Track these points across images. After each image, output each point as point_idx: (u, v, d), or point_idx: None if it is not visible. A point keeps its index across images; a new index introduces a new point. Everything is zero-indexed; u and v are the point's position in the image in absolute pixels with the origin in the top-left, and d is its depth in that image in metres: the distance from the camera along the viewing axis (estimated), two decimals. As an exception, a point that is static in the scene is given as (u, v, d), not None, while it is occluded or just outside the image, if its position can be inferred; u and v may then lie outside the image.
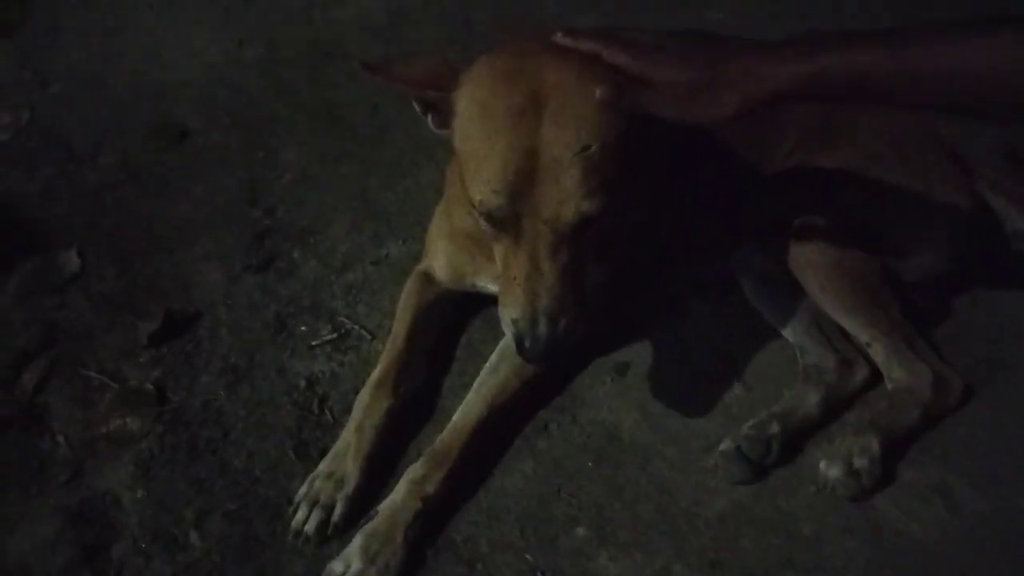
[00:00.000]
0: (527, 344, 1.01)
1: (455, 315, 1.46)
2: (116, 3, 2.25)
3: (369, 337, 1.46)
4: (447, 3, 2.28)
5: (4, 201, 1.71)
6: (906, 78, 0.84)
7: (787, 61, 0.86)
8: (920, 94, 0.86)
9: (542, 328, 1.00)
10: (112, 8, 2.24)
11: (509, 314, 1.02)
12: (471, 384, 1.32)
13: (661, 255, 1.44)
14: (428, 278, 1.41)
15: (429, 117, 1.06)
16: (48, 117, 1.92)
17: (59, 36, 2.15)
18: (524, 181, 0.94)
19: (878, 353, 1.32)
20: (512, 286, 1.01)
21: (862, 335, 1.33)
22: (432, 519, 1.18)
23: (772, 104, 0.88)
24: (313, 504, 1.19)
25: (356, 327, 1.48)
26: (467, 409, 1.27)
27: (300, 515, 1.19)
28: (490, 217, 0.99)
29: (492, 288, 1.24)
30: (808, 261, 1.34)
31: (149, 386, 1.40)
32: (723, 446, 1.25)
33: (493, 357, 1.33)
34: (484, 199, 0.96)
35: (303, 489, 1.21)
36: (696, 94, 0.88)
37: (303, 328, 1.48)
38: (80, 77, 2.02)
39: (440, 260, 1.37)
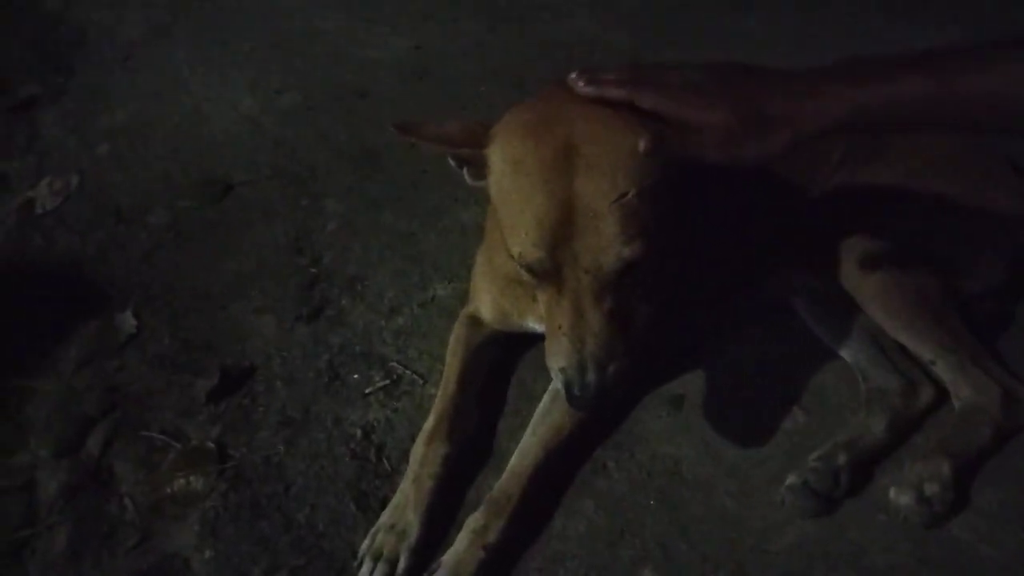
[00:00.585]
0: (576, 392, 1.00)
1: (505, 355, 1.46)
2: (155, 63, 2.32)
3: (421, 381, 1.46)
4: (474, 37, 2.29)
5: (60, 266, 1.76)
6: (953, 105, 0.81)
7: (829, 96, 0.84)
8: (968, 120, 0.83)
9: (591, 376, 0.99)
10: (152, 68, 2.30)
11: (557, 363, 1.02)
12: (526, 424, 1.31)
13: (711, 284, 1.42)
14: (475, 321, 1.41)
15: (465, 171, 1.06)
16: (96, 180, 1.97)
17: (102, 99, 2.22)
18: (562, 232, 0.94)
19: (943, 371, 1.28)
20: (558, 335, 1.00)
21: (925, 353, 1.29)
22: (495, 568, 1.18)
23: (817, 140, 0.86)
24: (377, 558, 1.19)
25: (408, 372, 1.48)
26: (523, 453, 1.26)
27: (365, 569, 1.19)
28: (531, 269, 0.99)
29: (539, 328, 1.24)
30: (863, 278, 1.31)
31: (210, 444, 1.41)
32: (790, 480, 1.22)
33: (545, 399, 1.32)
34: (523, 252, 0.96)
35: (366, 543, 1.22)
36: (739, 136, 0.86)
37: (355, 376, 1.49)
38: (125, 138, 2.08)
39: (486, 303, 1.37)
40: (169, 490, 1.36)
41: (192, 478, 1.37)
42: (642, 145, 0.89)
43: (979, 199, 1.35)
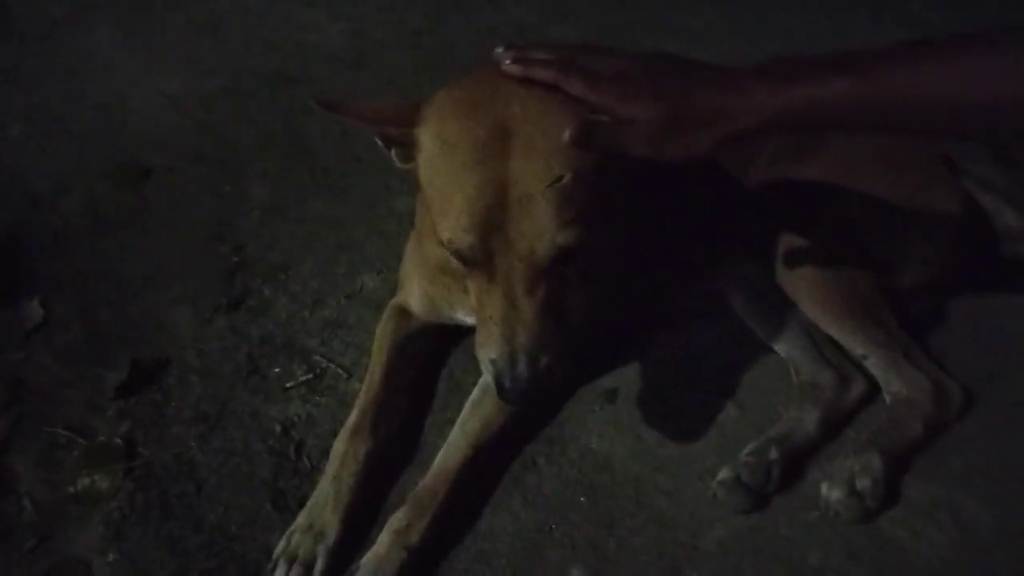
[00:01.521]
0: (507, 385, 0.96)
1: (435, 348, 1.41)
2: (76, 42, 2.20)
3: (346, 376, 1.40)
4: (411, 25, 2.24)
5: (-37, 252, 1.66)
6: (879, 106, 0.80)
7: (757, 96, 0.82)
8: (895, 121, 0.82)
9: (522, 368, 0.94)
10: (72, 47, 2.19)
11: (487, 354, 0.97)
12: (455, 420, 1.26)
13: (646, 278, 1.39)
14: (404, 312, 1.36)
15: (393, 152, 1.00)
16: (8, 161, 1.86)
17: (18, 78, 2.10)
18: (495, 217, 0.89)
19: (874, 366, 1.28)
20: (488, 325, 0.96)
21: (857, 348, 1.28)
22: (418, 569, 1.12)
23: (744, 139, 0.83)
24: (292, 560, 1.13)
25: (332, 365, 1.42)
26: (450, 450, 1.21)
27: (279, 573, 1.12)
28: (461, 255, 0.94)
29: (471, 320, 1.19)
30: (796, 274, 1.30)
31: (118, 441, 1.33)
32: (721, 475, 1.20)
33: (475, 392, 1.28)
34: (453, 238, 0.91)
35: (281, 544, 1.15)
36: (664, 133, 0.83)
37: (277, 370, 1.42)
38: (40, 119, 1.97)
39: (415, 294, 1.32)
40: (72, 489, 1.28)
41: (97, 477, 1.29)
42: (567, 135, 0.85)
43: (912, 196, 1.35)
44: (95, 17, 2.30)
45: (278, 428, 1.33)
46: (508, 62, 0.90)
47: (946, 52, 0.79)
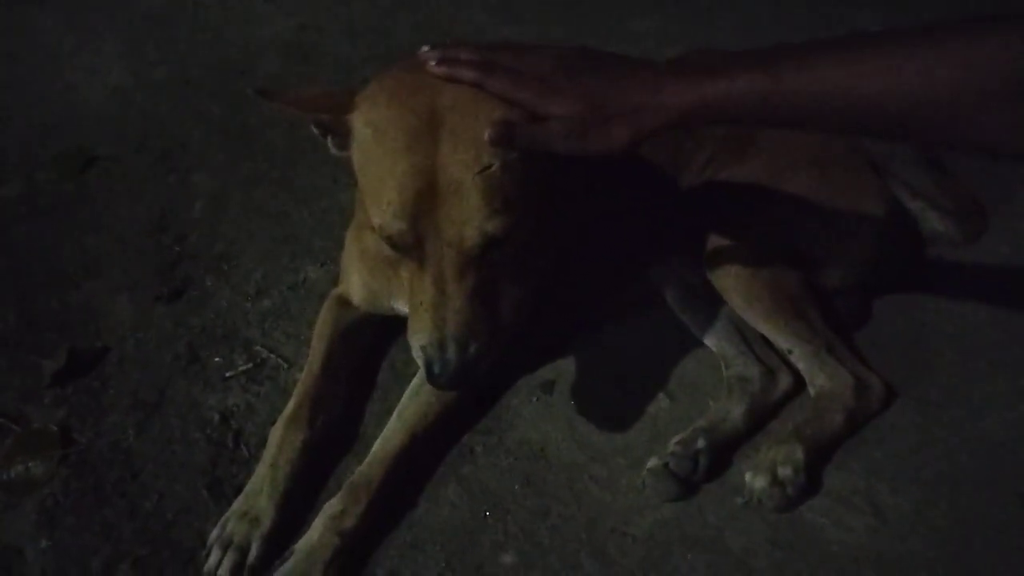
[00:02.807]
0: (436, 370, 0.98)
1: (375, 339, 1.42)
2: (20, 27, 2.17)
3: (286, 366, 1.41)
4: (360, 19, 2.25)
5: None
6: (793, 105, 0.82)
7: (673, 93, 0.85)
8: (803, 120, 0.85)
9: (451, 354, 0.97)
10: (15, 32, 2.16)
11: (417, 340, 0.99)
12: (394, 409, 1.28)
13: (581, 270, 1.42)
14: (344, 303, 1.37)
15: (329, 139, 1.02)
16: (-56, 147, 1.83)
17: (-45, 62, 2.06)
18: (424, 204, 0.91)
19: (799, 360, 1.32)
20: (419, 311, 0.98)
21: (783, 343, 1.32)
22: (352, 555, 1.14)
23: (661, 134, 0.87)
24: (227, 546, 1.13)
25: (272, 356, 1.42)
26: (387, 437, 1.23)
27: (213, 558, 1.13)
28: (392, 241, 0.95)
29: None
30: (727, 271, 1.34)
31: (53, 427, 1.32)
32: (650, 464, 1.23)
33: (414, 382, 1.29)
34: (384, 223, 0.93)
35: (216, 531, 1.15)
36: (586, 129, 0.86)
37: (217, 359, 1.42)
38: (-22, 104, 1.94)
39: (355, 284, 1.33)
40: (5, 476, 1.27)
41: (31, 464, 1.28)
42: (487, 134, 0.88)
43: (839, 199, 1.39)
44: (38, 4, 2.26)
45: (216, 417, 1.34)
46: (433, 62, 0.92)
47: (860, 51, 0.81)
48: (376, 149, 0.94)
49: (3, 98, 1.95)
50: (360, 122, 0.96)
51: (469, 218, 0.92)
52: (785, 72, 0.81)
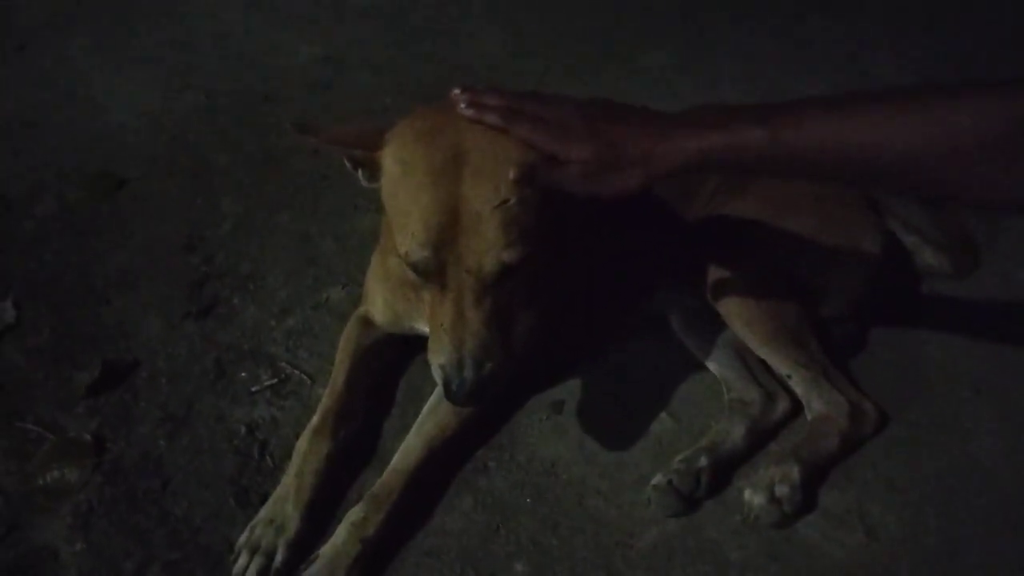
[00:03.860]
0: (454, 387, 1.05)
1: (395, 357, 1.49)
2: (53, 52, 2.26)
3: (309, 382, 1.48)
4: (378, 52, 2.34)
5: (-64, 252, 1.70)
6: (788, 156, 0.90)
7: (678, 141, 0.93)
8: (803, 170, 0.93)
9: (468, 372, 1.04)
10: (48, 57, 2.24)
11: (437, 360, 1.07)
12: (411, 425, 1.34)
13: (591, 296, 1.50)
14: (367, 322, 1.44)
15: (360, 172, 1.10)
16: (-18, 166, 1.91)
17: (-8, 85, 2.15)
18: (447, 234, 0.99)
19: (797, 385, 1.39)
20: (440, 333, 1.05)
21: (782, 368, 1.39)
22: (373, 561, 1.20)
23: (669, 178, 0.95)
24: (254, 551, 1.20)
25: (296, 372, 1.50)
26: (407, 450, 1.29)
27: (241, 562, 1.19)
28: (416, 268, 1.03)
29: (428, 330, 1.28)
30: (729, 299, 1.41)
31: (87, 437, 1.39)
32: (655, 480, 1.30)
33: (432, 399, 1.36)
34: (410, 251, 1.01)
35: (244, 536, 1.22)
36: (601, 172, 0.94)
37: (243, 374, 1.49)
38: (14, 126, 2.02)
39: (378, 304, 1.41)
40: (41, 481, 1.33)
41: (66, 470, 1.35)
42: (511, 174, 0.96)
43: (837, 233, 1.47)
44: (72, 29, 2.35)
45: (243, 429, 1.40)
46: (463, 105, 1.00)
47: (859, 107, 0.89)
48: (404, 183, 1.02)
49: (37, 120, 2.04)
50: (390, 158, 1.04)
51: (488, 248, 1.00)
52: (781, 127, 0.89)
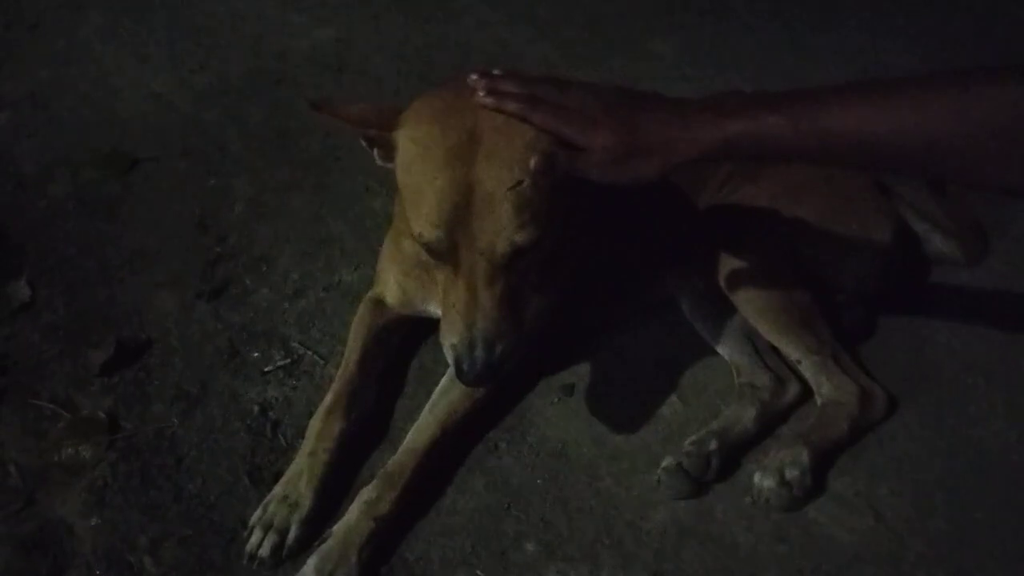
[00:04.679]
0: (465, 367, 1.06)
1: (407, 339, 1.50)
2: (66, 33, 2.26)
3: (322, 362, 1.49)
4: (389, 34, 2.34)
5: (-49, 231, 1.71)
6: (809, 144, 0.91)
7: (699, 129, 0.94)
8: (826, 158, 0.93)
9: (479, 352, 1.05)
10: (61, 37, 2.24)
11: (448, 339, 1.07)
12: (423, 406, 1.35)
13: (602, 280, 1.50)
14: (379, 304, 1.45)
15: (375, 152, 1.10)
16: (-4, 146, 1.92)
17: (5, 65, 2.15)
18: (460, 215, 1.00)
19: (807, 370, 1.40)
20: (451, 313, 1.06)
21: (792, 353, 1.40)
22: (385, 538, 1.21)
23: (687, 166, 0.96)
24: (268, 528, 1.21)
25: (309, 352, 1.51)
26: (419, 430, 1.31)
27: (255, 539, 1.21)
28: (429, 248, 1.04)
29: (439, 313, 1.29)
30: (740, 284, 1.41)
31: (101, 414, 1.40)
32: (665, 463, 1.30)
33: (444, 379, 1.37)
34: (423, 231, 1.02)
35: (257, 513, 1.23)
36: (621, 159, 0.95)
37: (256, 354, 1.50)
38: (28, 106, 2.02)
39: (390, 286, 1.42)
40: (56, 458, 1.35)
41: (81, 447, 1.36)
42: (532, 163, 0.97)
43: (847, 219, 1.47)
44: (84, 10, 2.35)
45: (256, 408, 1.42)
46: (481, 93, 1.00)
47: (877, 95, 0.90)
48: (418, 164, 1.02)
49: (51, 100, 2.04)
50: (405, 138, 1.05)
51: (500, 229, 1.00)
52: (801, 115, 0.90)
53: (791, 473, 1.27)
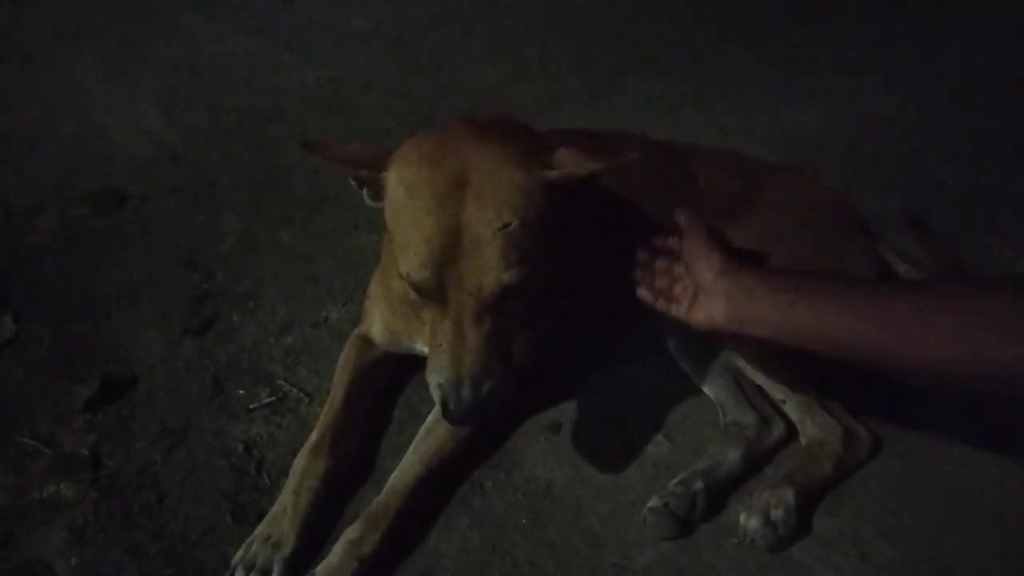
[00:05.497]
0: (452, 406, 1.06)
1: (393, 377, 1.50)
2: (57, 69, 2.28)
3: (307, 400, 1.49)
4: (380, 76, 2.37)
5: (-63, 265, 1.71)
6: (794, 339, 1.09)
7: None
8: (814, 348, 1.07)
9: (466, 391, 1.05)
10: (53, 74, 2.27)
11: (435, 378, 1.07)
12: (408, 444, 1.35)
13: (590, 321, 1.51)
14: (366, 341, 1.45)
15: (364, 191, 1.12)
16: (-16, 181, 1.92)
17: (-3, 100, 2.17)
18: (448, 255, 1.01)
19: (792, 410, 1.40)
20: (439, 352, 1.07)
21: (777, 393, 1.41)
22: (369, 579, 1.20)
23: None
24: (250, 568, 1.20)
25: (295, 390, 1.50)
26: (404, 469, 1.30)
27: (237, 578, 1.20)
28: (417, 288, 1.05)
29: (427, 350, 1.29)
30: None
31: (84, 452, 1.39)
32: (651, 503, 1.30)
33: (430, 418, 1.37)
34: (411, 271, 1.03)
35: (240, 553, 1.22)
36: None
37: (241, 392, 1.50)
38: (17, 142, 2.04)
39: (377, 324, 1.42)
40: (37, 495, 1.33)
41: (63, 485, 1.35)
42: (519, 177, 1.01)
43: (831, 259, 1.48)
44: (76, 48, 2.38)
45: (240, 446, 1.41)
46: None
47: (880, 301, 1.00)
48: (407, 205, 1.04)
49: (41, 136, 2.06)
50: (394, 179, 1.06)
51: (488, 270, 1.02)
52: (797, 310, 1.05)
53: (776, 513, 1.27)
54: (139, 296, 1.67)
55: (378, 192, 1.10)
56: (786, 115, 2.33)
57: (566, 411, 1.48)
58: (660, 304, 1.27)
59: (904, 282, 1.07)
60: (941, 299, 0.93)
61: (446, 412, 1.08)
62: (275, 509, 1.26)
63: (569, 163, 1.08)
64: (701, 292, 1.18)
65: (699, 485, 1.31)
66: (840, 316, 1.01)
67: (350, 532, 1.21)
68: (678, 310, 1.23)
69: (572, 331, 1.49)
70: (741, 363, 1.42)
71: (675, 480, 1.32)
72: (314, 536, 1.25)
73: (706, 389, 1.48)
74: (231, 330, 1.61)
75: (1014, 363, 0.85)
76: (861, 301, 1.01)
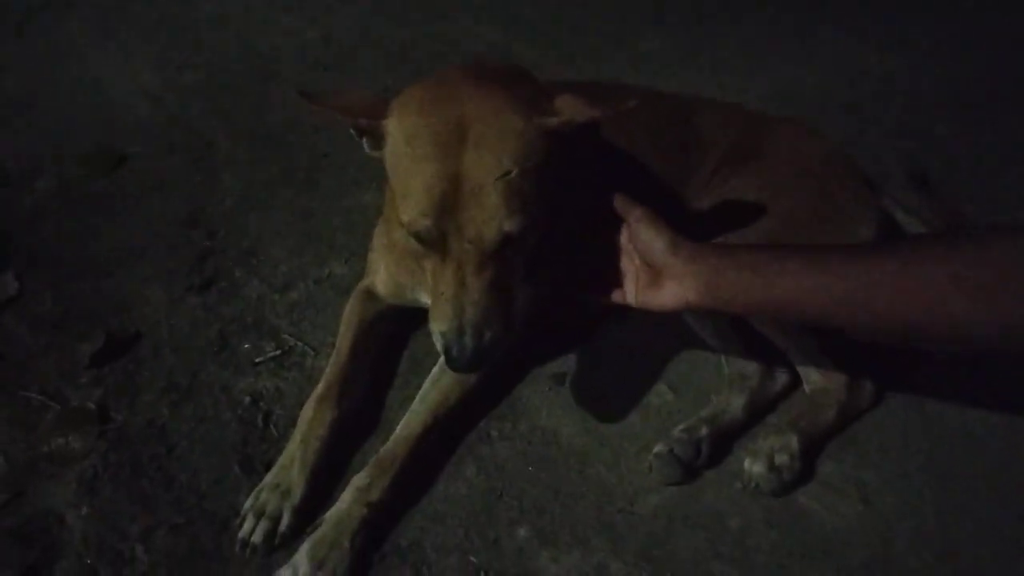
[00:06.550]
0: (454, 353, 1.06)
1: (397, 330, 1.51)
2: (53, 31, 2.26)
3: (313, 353, 1.49)
4: (379, 33, 2.35)
5: (-63, 225, 1.70)
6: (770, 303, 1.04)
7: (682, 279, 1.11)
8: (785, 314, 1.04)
9: (468, 339, 1.05)
10: (49, 36, 2.24)
11: (438, 327, 1.08)
12: (414, 396, 1.36)
13: (594, 272, 1.51)
14: (370, 294, 1.45)
15: (364, 141, 1.11)
16: (-18, 142, 1.91)
17: (-8, 62, 2.15)
18: (449, 204, 1.00)
19: (795, 359, 1.41)
20: (440, 301, 1.07)
21: (780, 343, 1.41)
22: (378, 525, 1.21)
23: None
24: (260, 515, 1.21)
25: (300, 344, 1.51)
26: (411, 418, 1.31)
27: (247, 526, 1.20)
28: (418, 236, 1.05)
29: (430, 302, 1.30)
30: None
31: (91, 405, 1.40)
32: (656, 449, 1.31)
33: (436, 368, 1.38)
34: (412, 220, 1.02)
35: (249, 501, 1.23)
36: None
37: (246, 346, 1.50)
38: (15, 103, 2.02)
39: (381, 276, 1.42)
40: (46, 448, 1.34)
41: (71, 438, 1.35)
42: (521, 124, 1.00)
43: (834, 211, 1.48)
44: (72, 10, 2.36)
45: (247, 399, 1.41)
46: None
47: (827, 263, 0.98)
48: (407, 153, 1.03)
49: (36, 99, 2.04)
50: (394, 128, 1.06)
51: (489, 218, 1.01)
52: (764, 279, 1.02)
53: (780, 458, 1.28)
54: (140, 255, 1.67)
55: (377, 141, 1.09)
56: (786, 74, 2.31)
57: (571, 362, 1.49)
58: (617, 296, 1.22)
59: (868, 245, 1.07)
60: (900, 263, 0.93)
61: (449, 359, 1.08)
62: (283, 458, 1.27)
63: (570, 110, 1.07)
64: (666, 277, 1.12)
65: (704, 431, 1.32)
66: (800, 289, 1.01)
67: (358, 479, 1.22)
68: (644, 298, 1.17)
69: (575, 281, 1.48)
70: (744, 313, 1.42)
71: (680, 427, 1.34)
72: (322, 484, 1.26)
73: (709, 340, 1.48)
74: (234, 287, 1.61)
75: (964, 319, 0.87)
76: (818, 270, 1.00)
